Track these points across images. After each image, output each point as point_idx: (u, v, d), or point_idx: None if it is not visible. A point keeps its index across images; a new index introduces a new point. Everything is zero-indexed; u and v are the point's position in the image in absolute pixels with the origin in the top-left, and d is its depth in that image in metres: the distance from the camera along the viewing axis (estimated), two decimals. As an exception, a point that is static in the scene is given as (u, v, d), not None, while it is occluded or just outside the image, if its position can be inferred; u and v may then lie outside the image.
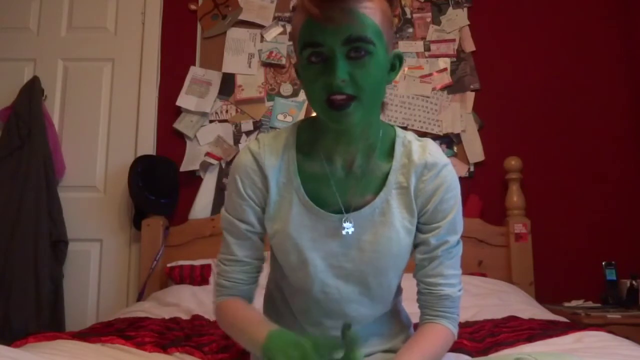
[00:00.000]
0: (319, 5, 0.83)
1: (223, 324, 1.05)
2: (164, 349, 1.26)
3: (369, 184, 0.98)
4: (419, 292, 1.03)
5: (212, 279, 2.25)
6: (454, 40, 2.70)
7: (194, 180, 2.65)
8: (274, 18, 2.76)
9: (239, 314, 1.00)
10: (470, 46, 2.69)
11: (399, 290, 1.11)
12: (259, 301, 1.13)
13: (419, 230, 1.00)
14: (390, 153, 1.00)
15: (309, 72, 0.88)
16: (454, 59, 2.69)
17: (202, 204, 2.62)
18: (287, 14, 2.77)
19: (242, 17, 2.76)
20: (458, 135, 2.61)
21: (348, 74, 0.85)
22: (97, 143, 2.72)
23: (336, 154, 0.98)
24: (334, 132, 0.95)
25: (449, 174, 1.00)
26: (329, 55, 0.85)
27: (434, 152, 1.00)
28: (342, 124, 0.88)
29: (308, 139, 1.01)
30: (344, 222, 0.97)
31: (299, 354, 0.79)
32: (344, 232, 0.97)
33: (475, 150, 2.61)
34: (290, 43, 2.74)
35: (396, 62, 0.95)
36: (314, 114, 1.00)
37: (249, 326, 0.95)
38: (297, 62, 0.96)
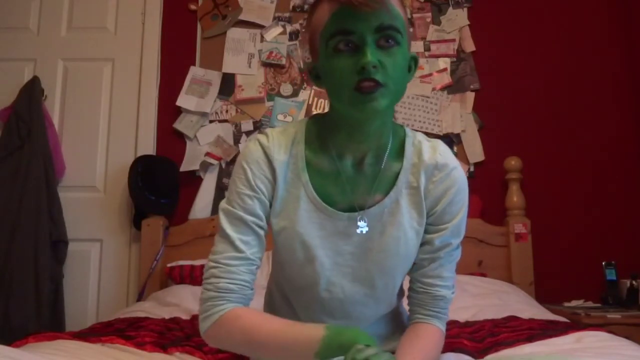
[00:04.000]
0: None
1: (241, 336, 0.91)
2: (164, 349, 1.26)
3: (378, 183, 0.98)
4: (412, 290, 1.03)
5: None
6: (454, 40, 2.70)
7: (194, 180, 2.65)
8: (274, 18, 2.76)
9: (277, 323, 0.91)
10: (470, 46, 2.69)
11: (401, 292, 1.11)
12: (259, 301, 1.12)
13: (425, 230, 1.00)
14: (400, 153, 1.00)
15: (336, 60, 0.88)
16: (454, 59, 2.69)
17: (202, 204, 2.62)
18: (287, 14, 2.77)
19: (242, 17, 2.76)
20: (458, 135, 2.61)
21: (378, 61, 0.86)
22: (97, 143, 2.72)
23: (347, 151, 0.97)
24: (347, 129, 0.94)
25: (459, 176, 1.00)
26: (359, 44, 0.86)
27: (445, 153, 1.00)
28: (367, 110, 0.87)
29: (317, 136, 1.00)
30: (359, 221, 0.97)
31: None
32: (358, 231, 0.96)
33: (475, 150, 2.61)
34: (291, 43, 2.74)
35: (412, 64, 0.96)
36: (315, 113, 1.00)
37: (290, 332, 0.87)
38: (312, 62, 0.95)
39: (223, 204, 0.99)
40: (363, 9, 0.84)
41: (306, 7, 2.74)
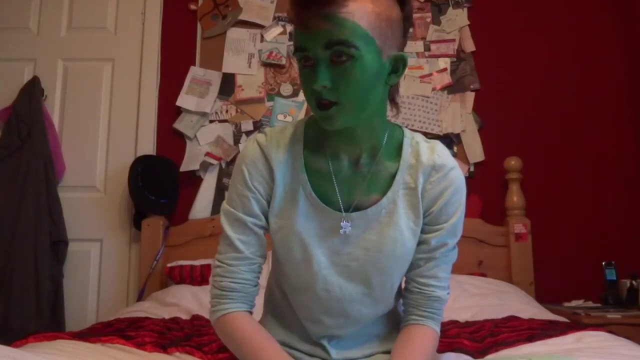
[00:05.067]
0: (297, 14, 0.85)
1: (230, 342, 1.00)
2: (164, 349, 1.26)
3: (375, 184, 0.98)
4: (407, 290, 1.03)
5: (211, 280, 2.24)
6: (454, 40, 2.70)
7: (194, 180, 2.65)
8: (274, 18, 2.76)
9: (255, 341, 0.95)
10: (470, 46, 2.69)
11: (399, 292, 1.11)
12: (259, 301, 1.12)
13: (421, 230, 1.00)
14: (397, 153, 1.00)
15: (303, 75, 0.90)
16: (454, 59, 2.69)
17: (202, 204, 2.62)
18: (287, 14, 2.76)
19: (242, 17, 2.76)
20: (458, 135, 2.61)
21: (330, 81, 0.86)
22: (97, 143, 2.72)
23: (342, 152, 0.98)
24: (337, 132, 0.95)
25: (457, 177, 1.00)
26: (315, 61, 0.87)
27: (443, 153, 1.00)
28: (328, 125, 0.90)
29: (315, 136, 1.01)
30: (342, 222, 0.97)
31: None
32: (341, 232, 0.97)
33: (475, 150, 2.61)
34: (291, 43, 2.74)
35: (399, 65, 0.93)
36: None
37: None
38: None
39: (224, 204, 1.02)
40: (307, 31, 0.85)
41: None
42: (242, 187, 0.99)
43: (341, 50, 0.84)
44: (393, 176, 0.99)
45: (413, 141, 1.01)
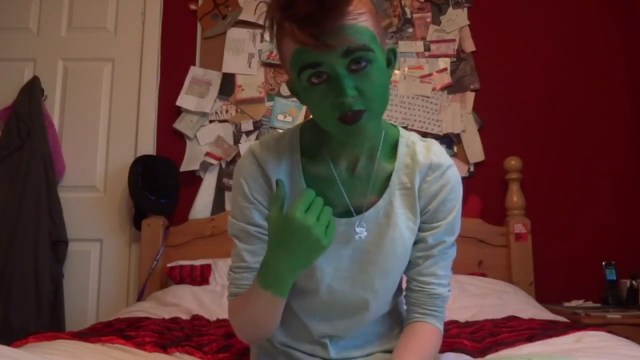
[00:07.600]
0: (312, 34, 0.79)
1: (235, 319, 1.01)
2: (164, 349, 1.26)
3: (372, 185, 0.98)
4: (408, 289, 1.03)
5: (211, 279, 2.25)
6: (454, 40, 2.70)
7: (194, 180, 2.65)
8: (274, 18, 2.76)
9: (243, 297, 0.98)
10: (470, 46, 2.69)
11: (399, 290, 1.11)
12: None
13: (418, 228, 1.00)
14: (393, 153, 0.99)
15: (313, 94, 0.84)
16: (454, 59, 2.69)
17: (202, 204, 2.62)
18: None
19: (242, 17, 2.76)
20: (458, 135, 2.62)
21: (355, 89, 0.82)
22: (97, 143, 2.72)
23: (341, 156, 0.97)
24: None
25: (453, 175, 0.99)
26: (331, 74, 0.82)
27: (439, 152, 1.00)
28: (356, 137, 0.86)
29: (312, 142, 1.00)
30: (357, 227, 0.97)
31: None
32: (356, 237, 0.97)
33: (475, 150, 2.61)
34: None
35: (391, 57, 0.92)
36: (311, 117, 0.99)
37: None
38: (289, 80, 0.93)
39: (229, 217, 1.03)
40: (321, 48, 0.79)
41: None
42: (242, 199, 0.99)
43: (360, 57, 0.81)
44: (389, 177, 0.98)
45: (409, 141, 1.01)
